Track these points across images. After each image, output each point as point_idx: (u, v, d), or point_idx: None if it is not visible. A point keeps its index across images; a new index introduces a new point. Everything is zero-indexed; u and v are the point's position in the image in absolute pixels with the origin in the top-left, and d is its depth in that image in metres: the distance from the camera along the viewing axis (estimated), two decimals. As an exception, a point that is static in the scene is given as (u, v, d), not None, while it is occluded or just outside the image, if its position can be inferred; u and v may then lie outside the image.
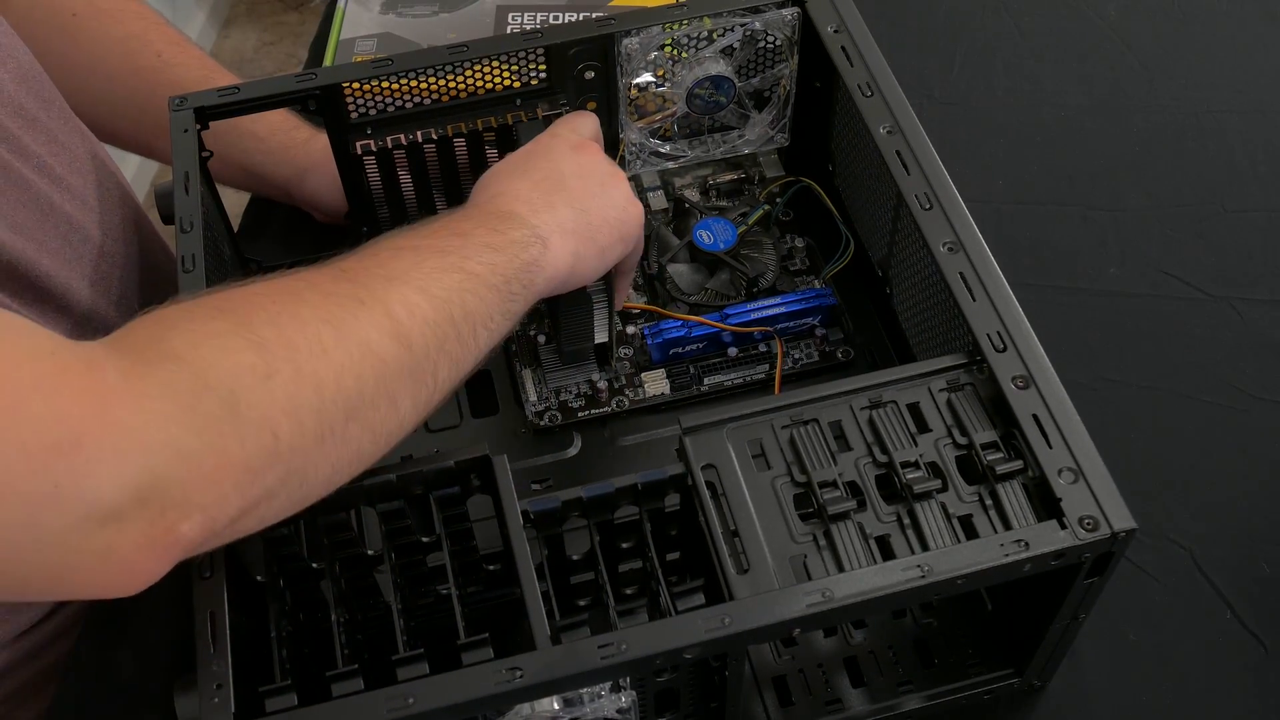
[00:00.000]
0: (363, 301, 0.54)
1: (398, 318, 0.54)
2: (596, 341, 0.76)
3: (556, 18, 0.98)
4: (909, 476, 0.59)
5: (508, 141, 0.81)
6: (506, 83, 0.80)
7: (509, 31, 0.97)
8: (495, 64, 0.79)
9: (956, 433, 0.61)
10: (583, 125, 0.74)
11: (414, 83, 0.79)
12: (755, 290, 0.82)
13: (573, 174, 0.67)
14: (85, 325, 0.75)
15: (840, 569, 0.57)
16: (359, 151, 0.80)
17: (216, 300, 0.52)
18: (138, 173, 1.99)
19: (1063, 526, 0.56)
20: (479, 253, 0.59)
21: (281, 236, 0.92)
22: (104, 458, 0.44)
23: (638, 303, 0.83)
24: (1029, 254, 0.89)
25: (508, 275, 0.60)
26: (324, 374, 0.51)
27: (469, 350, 0.58)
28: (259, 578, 0.61)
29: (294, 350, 0.50)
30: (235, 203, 0.90)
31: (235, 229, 0.86)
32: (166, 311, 0.51)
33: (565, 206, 0.66)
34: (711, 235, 0.82)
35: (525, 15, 0.99)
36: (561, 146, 0.70)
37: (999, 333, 0.63)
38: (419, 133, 0.80)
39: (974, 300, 0.64)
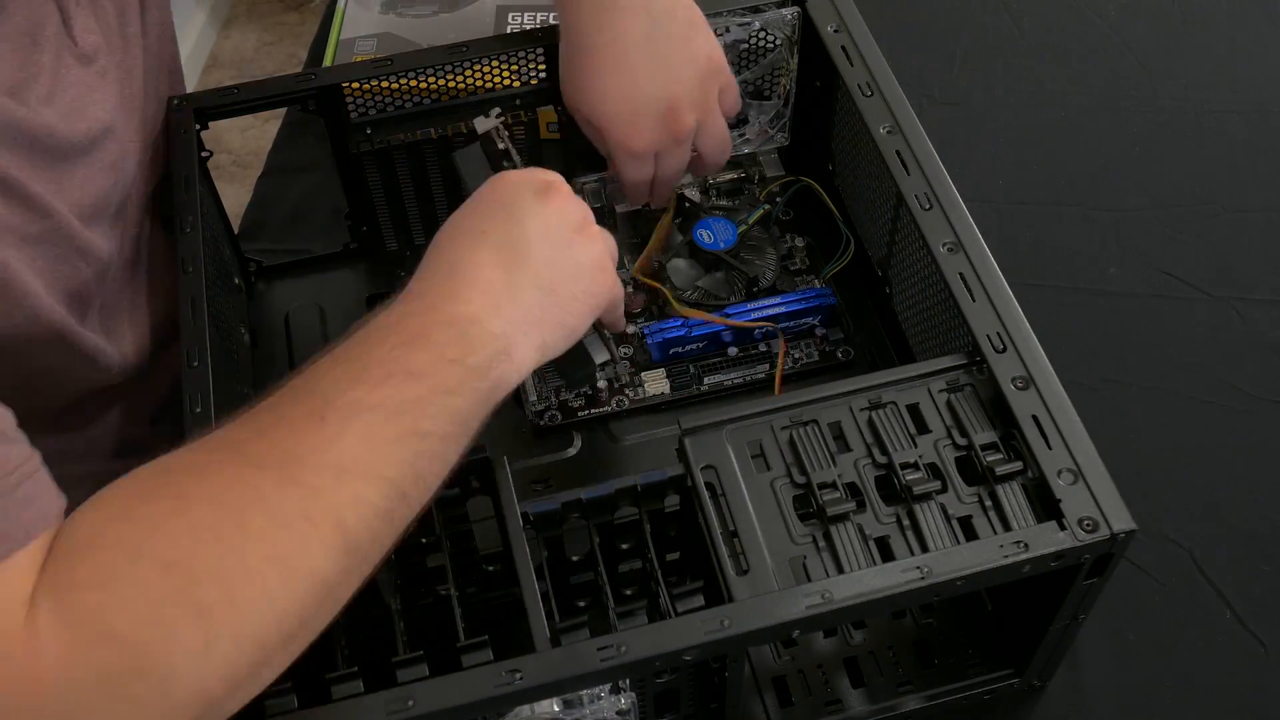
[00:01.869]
0: (313, 521, 0.49)
1: (349, 527, 0.50)
2: (598, 362, 0.75)
3: (557, 17, 0.98)
4: (908, 477, 0.59)
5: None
6: (506, 82, 0.80)
7: (509, 31, 0.97)
8: (495, 64, 0.79)
9: (956, 434, 0.61)
10: (550, 173, 0.66)
11: (414, 82, 0.79)
12: (755, 290, 0.82)
13: (538, 235, 0.60)
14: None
15: (840, 570, 0.57)
16: (359, 151, 0.80)
17: (167, 532, 0.47)
18: (138, 172, 1.98)
19: (1062, 528, 0.56)
20: (438, 402, 0.53)
21: (281, 237, 0.92)
22: None
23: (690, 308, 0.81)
24: (1029, 254, 0.89)
25: (468, 414, 0.55)
26: (268, 625, 0.48)
27: (417, 507, 0.54)
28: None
29: (238, 609, 0.47)
30: (235, 203, 0.90)
31: (235, 229, 0.86)
32: (110, 557, 0.47)
33: (530, 288, 0.59)
34: (712, 235, 0.82)
35: (525, 15, 0.98)
36: (525, 195, 0.62)
37: (999, 333, 0.63)
38: (419, 132, 0.80)
39: (974, 300, 0.64)
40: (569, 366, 0.71)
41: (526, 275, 0.59)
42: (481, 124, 0.74)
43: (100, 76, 0.66)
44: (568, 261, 0.61)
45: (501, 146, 0.74)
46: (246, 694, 0.49)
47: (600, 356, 0.72)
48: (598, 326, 0.70)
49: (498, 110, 0.76)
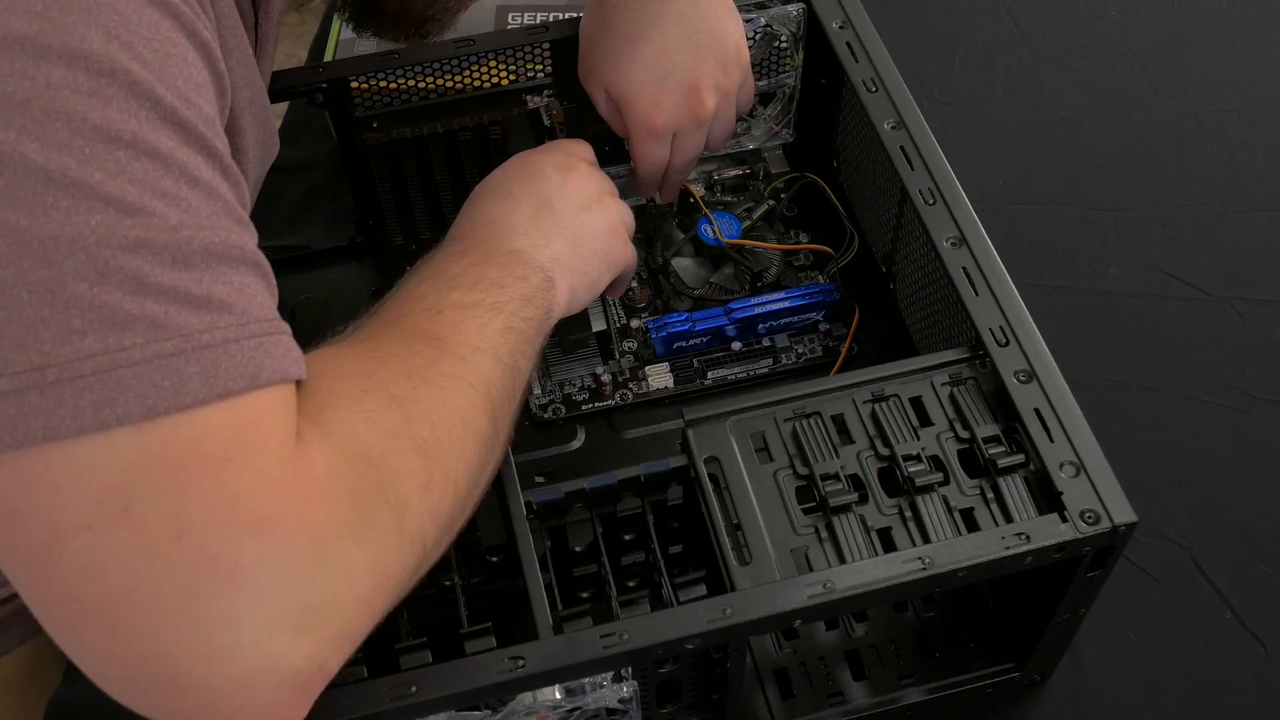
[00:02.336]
0: (471, 384, 0.53)
1: (492, 396, 0.54)
2: (595, 330, 0.76)
3: (557, 17, 0.98)
4: (911, 469, 0.60)
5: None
6: (512, 78, 0.80)
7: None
8: (501, 59, 0.79)
9: (958, 426, 0.61)
10: (574, 147, 0.72)
11: (420, 80, 0.79)
12: (759, 285, 0.82)
13: (560, 198, 0.66)
14: None
15: (841, 561, 0.57)
16: (365, 145, 0.80)
17: (381, 375, 0.51)
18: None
19: (1064, 520, 0.56)
20: (521, 308, 0.59)
21: (283, 234, 0.92)
22: (285, 553, 0.43)
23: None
24: (1029, 254, 0.89)
25: (539, 325, 0.60)
26: (459, 474, 0.51)
27: (518, 407, 0.58)
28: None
29: (444, 454, 0.50)
30: (238, 197, 0.90)
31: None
32: (346, 386, 0.49)
33: (559, 238, 0.65)
34: (716, 229, 0.82)
35: (525, 15, 0.99)
36: (547, 166, 0.68)
37: (1001, 327, 0.63)
38: (426, 126, 0.80)
39: (976, 295, 0.64)
40: (566, 331, 0.73)
41: (553, 223, 0.65)
42: (533, 100, 0.80)
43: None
44: (587, 222, 0.67)
45: (547, 124, 0.79)
46: (439, 549, 0.51)
47: (597, 325, 0.74)
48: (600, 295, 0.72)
49: (549, 90, 0.80)
